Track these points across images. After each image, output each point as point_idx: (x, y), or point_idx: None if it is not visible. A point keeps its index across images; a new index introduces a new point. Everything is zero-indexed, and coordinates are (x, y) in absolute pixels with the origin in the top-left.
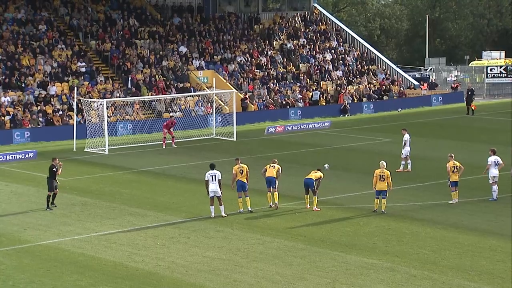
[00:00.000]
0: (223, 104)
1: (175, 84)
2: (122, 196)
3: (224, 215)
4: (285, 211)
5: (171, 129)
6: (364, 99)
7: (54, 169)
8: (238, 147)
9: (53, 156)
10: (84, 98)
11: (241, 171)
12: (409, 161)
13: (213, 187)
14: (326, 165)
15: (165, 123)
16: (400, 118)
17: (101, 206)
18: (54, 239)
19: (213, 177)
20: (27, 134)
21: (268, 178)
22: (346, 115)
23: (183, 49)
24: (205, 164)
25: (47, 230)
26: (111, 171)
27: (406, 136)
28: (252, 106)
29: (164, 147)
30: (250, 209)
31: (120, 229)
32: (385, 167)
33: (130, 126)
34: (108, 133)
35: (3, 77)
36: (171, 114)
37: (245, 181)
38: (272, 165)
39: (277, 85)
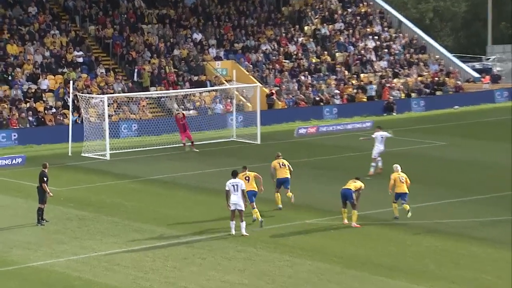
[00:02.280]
0: (245, 100)
1: (189, 77)
2: (126, 209)
3: (245, 233)
4: (318, 227)
5: (187, 130)
6: (413, 95)
7: (45, 178)
8: (262, 151)
9: (43, 162)
10: (82, 93)
11: (246, 178)
12: (379, 159)
13: (235, 198)
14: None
15: (182, 121)
16: (456, 117)
17: (102, 221)
18: (45, 260)
19: (235, 186)
20: (14, 135)
21: (281, 179)
22: (392, 114)
23: (198, 35)
24: (224, 171)
25: (37, 249)
26: (113, 179)
27: (377, 134)
28: (280, 103)
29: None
30: (256, 219)
31: (124, 248)
32: (399, 170)
33: (135, 126)
34: (109, 135)
35: None
36: (176, 110)
37: (254, 190)
38: (281, 162)
39: (309, 78)
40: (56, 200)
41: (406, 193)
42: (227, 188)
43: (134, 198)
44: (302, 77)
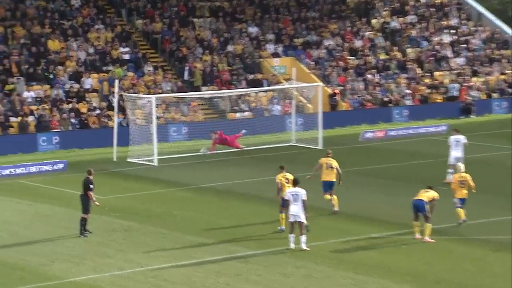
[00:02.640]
0: (305, 101)
1: (244, 76)
2: (175, 219)
3: (305, 248)
4: (386, 242)
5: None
6: (495, 95)
7: (91, 185)
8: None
9: (88, 168)
10: (128, 93)
11: (286, 181)
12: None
13: (295, 209)
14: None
15: (217, 139)
16: None
17: (149, 232)
18: (89, 275)
19: (295, 196)
20: (56, 139)
21: (327, 182)
22: (470, 116)
23: (254, 29)
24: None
25: (80, 262)
26: (161, 187)
27: (452, 138)
28: (344, 104)
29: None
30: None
31: (173, 262)
32: (462, 170)
33: (185, 129)
34: (157, 139)
35: (26, 66)
36: (214, 132)
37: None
38: (329, 163)
39: (377, 77)
40: (100, 210)
41: (464, 198)
42: (286, 198)
43: (184, 208)
44: (369, 76)
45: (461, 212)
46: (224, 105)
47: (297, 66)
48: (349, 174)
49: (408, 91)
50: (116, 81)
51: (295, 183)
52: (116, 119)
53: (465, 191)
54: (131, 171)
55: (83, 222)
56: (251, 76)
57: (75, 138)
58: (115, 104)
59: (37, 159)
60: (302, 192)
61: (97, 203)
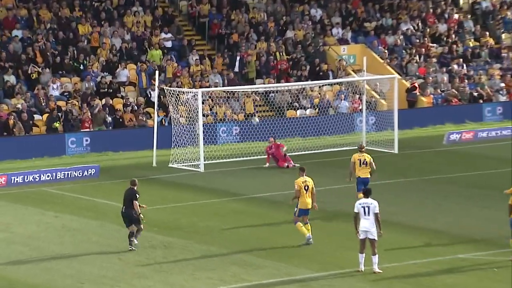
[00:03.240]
0: (378, 97)
1: (306, 67)
2: (225, 235)
3: (377, 270)
4: (475, 264)
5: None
6: None
7: (137, 195)
8: (400, 163)
9: (132, 179)
10: (170, 86)
11: (306, 187)
12: None
13: (366, 224)
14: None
15: (271, 149)
16: None
17: (193, 250)
18: None
19: (367, 209)
20: (87, 140)
21: (362, 179)
22: None
23: (317, 12)
24: (351, 189)
25: (114, 285)
26: (208, 197)
27: None
28: (424, 100)
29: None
30: (309, 236)
31: (222, 285)
32: None
33: (236, 129)
34: (204, 141)
35: (53, 55)
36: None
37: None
38: (363, 159)
39: (465, 68)
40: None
41: None
42: (356, 210)
43: (235, 222)
44: (455, 66)
45: None
46: (282, 101)
47: (368, 55)
48: (430, 183)
49: (502, 85)
50: (157, 73)
51: (366, 193)
52: (156, 117)
53: None
54: (173, 178)
55: (131, 234)
56: (314, 67)
57: (108, 139)
58: (155, 100)
59: (65, 163)
60: (374, 204)
61: (142, 216)
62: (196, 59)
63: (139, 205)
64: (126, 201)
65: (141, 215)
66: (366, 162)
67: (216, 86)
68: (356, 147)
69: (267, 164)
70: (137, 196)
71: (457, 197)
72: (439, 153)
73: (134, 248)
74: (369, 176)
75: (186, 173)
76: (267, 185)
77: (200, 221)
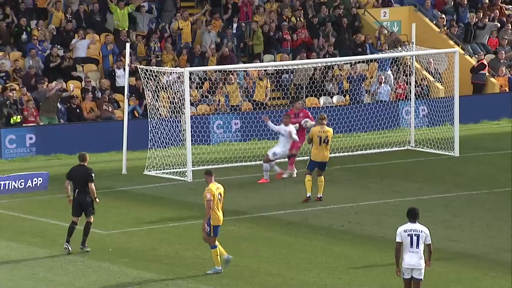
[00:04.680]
0: (432, 79)
1: (333, 37)
2: (224, 270)
3: None
4: None
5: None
6: None
7: (93, 175)
8: (463, 170)
9: (81, 152)
10: (146, 65)
11: (219, 196)
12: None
13: (413, 260)
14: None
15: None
16: None
17: None
18: None
19: (415, 238)
20: (31, 139)
21: (318, 163)
22: None
23: None
24: (390, 206)
25: None
26: (197, 216)
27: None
28: (496, 82)
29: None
30: (216, 269)
31: None
32: None
33: (237, 123)
34: (193, 139)
35: None
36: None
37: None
38: (324, 135)
39: None
40: (101, 253)
41: None
42: (398, 239)
43: (235, 251)
44: None
45: None
46: (300, 83)
47: (419, 21)
48: (504, 197)
49: None
50: (127, 45)
51: (413, 215)
52: (126, 107)
53: None
54: (150, 190)
55: (72, 229)
56: (343, 37)
57: (60, 137)
58: (126, 83)
59: (1, 170)
60: (425, 232)
61: (97, 199)
62: (181, 25)
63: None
64: (78, 184)
65: (96, 199)
66: (328, 140)
67: (210, 64)
68: (405, 148)
69: (292, 171)
70: (93, 176)
71: None
72: None
73: (70, 249)
74: (327, 159)
75: (167, 184)
76: (280, 199)
77: (185, 249)
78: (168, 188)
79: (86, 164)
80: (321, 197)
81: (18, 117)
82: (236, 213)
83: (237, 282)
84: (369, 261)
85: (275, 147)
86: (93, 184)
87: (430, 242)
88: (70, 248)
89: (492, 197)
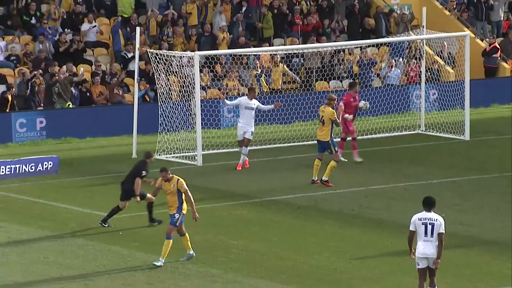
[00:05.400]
0: (443, 63)
1: (342, 21)
2: (230, 253)
3: None
4: None
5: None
6: None
7: (144, 173)
8: (474, 154)
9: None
10: (158, 49)
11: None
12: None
13: (427, 249)
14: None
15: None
16: None
17: (187, 273)
18: None
19: (429, 227)
20: (41, 122)
21: (319, 142)
22: None
23: None
24: (400, 190)
25: None
26: (207, 200)
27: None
28: (508, 66)
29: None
30: (190, 254)
31: None
32: None
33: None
34: (203, 123)
35: None
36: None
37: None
38: (321, 115)
39: None
40: (112, 236)
41: None
42: (412, 228)
43: (244, 234)
44: None
45: None
46: (309, 68)
47: (429, 4)
48: None
49: None
50: (137, 29)
51: (428, 203)
52: (136, 91)
53: None
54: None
55: (114, 211)
56: (354, 21)
57: (70, 121)
58: (136, 67)
59: (12, 154)
60: (440, 221)
61: (138, 199)
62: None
63: (145, 181)
64: (129, 175)
65: (138, 197)
66: (323, 120)
67: (220, 48)
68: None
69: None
70: (144, 173)
71: None
72: None
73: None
74: (327, 139)
75: (177, 168)
76: (289, 183)
77: (196, 233)
78: (178, 172)
79: (147, 160)
80: (315, 180)
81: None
82: (246, 197)
83: (247, 266)
84: (379, 246)
85: (249, 127)
86: (139, 180)
87: (444, 231)
88: (106, 225)
89: (503, 181)
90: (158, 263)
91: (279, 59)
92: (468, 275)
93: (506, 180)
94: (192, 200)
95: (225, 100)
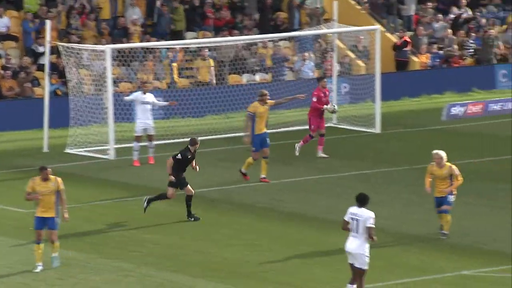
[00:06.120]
0: (353, 56)
1: (254, 15)
2: (144, 247)
3: None
4: (485, 283)
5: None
6: None
7: (178, 155)
8: (384, 147)
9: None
10: (68, 42)
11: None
12: None
13: (352, 244)
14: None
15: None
16: None
17: (99, 268)
18: None
19: (355, 223)
20: None
21: (259, 136)
22: None
23: None
24: (314, 182)
25: None
26: (119, 194)
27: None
28: (416, 60)
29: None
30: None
31: None
32: (443, 158)
33: (160, 101)
34: (116, 117)
35: None
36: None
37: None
38: (259, 110)
39: (471, 14)
40: (22, 231)
41: (444, 197)
42: (346, 218)
43: (157, 228)
44: (460, 12)
45: (447, 222)
46: (221, 62)
47: None
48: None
49: None
50: (48, 22)
51: (360, 200)
52: (47, 85)
53: (447, 187)
54: (71, 169)
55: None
56: (266, 14)
57: None
58: (46, 60)
59: None
60: (366, 216)
61: (172, 178)
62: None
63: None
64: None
65: (170, 177)
66: (257, 116)
67: (132, 42)
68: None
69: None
70: (178, 156)
71: (461, 193)
72: (436, 133)
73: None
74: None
75: (89, 162)
76: (203, 177)
77: (108, 228)
78: (90, 165)
79: (190, 147)
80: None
81: None
82: (159, 190)
83: (160, 260)
84: (291, 238)
85: (148, 122)
86: (171, 159)
87: (371, 225)
88: (145, 205)
89: (413, 173)
90: (37, 270)
91: (207, 53)
92: (378, 267)
93: (416, 173)
94: (65, 200)
95: (124, 97)
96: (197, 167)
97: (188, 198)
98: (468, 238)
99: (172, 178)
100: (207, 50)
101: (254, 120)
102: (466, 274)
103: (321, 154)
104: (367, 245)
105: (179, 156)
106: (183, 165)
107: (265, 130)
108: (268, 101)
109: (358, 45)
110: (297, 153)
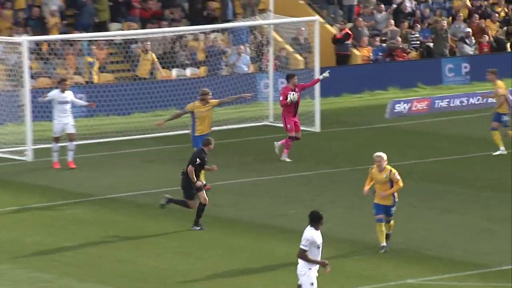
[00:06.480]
0: (291, 49)
1: (184, 5)
2: (63, 257)
3: None
4: None
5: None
6: None
7: (198, 159)
8: (324, 146)
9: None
10: None
11: None
12: None
13: (300, 267)
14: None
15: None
16: None
17: (16, 279)
18: None
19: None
20: None
21: (200, 137)
22: None
23: None
24: (248, 187)
25: None
26: (37, 199)
27: None
28: (358, 53)
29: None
30: None
31: None
32: (384, 160)
33: (81, 97)
34: (34, 115)
35: None
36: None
37: None
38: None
39: (414, 4)
40: None
41: (388, 205)
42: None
43: (78, 236)
44: (407, 4)
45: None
46: (148, 55)
47: None
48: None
49: (468, 30)
50: None
51: (314, 219)
52: None
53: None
54: None
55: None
56: (196, 5)
57: None
58: None
59: None
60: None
61: (199, 182)
62: None
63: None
64: (187, 165)
65: (197, 183)
66: (199, 117)
67: (52, 33)
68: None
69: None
70: (198, 161)
71: (405, 195)
72: (379, 131)
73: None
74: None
75: (4, 164)
76: (129, 180)
77: (25, 235)
78: (5, 168)
79: (205, 148)
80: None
81: None
82: (80, 195)
83: (83, 270)
84: (225, 245)
85: (67, 121)
86: (192, 168)
87: (301, 246)
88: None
89: (355, 174)
90: None
91: (149, 47)
92: (320, 275)
93: (359, 174)
94: None
95: (40, 99)
96: (214, 166)
97: (202, 208)
98: (413, 243)
99: (199, 183)
100: (149, 43)
101: (194, 120)
102: (411, 282)
103: (285, 157)
104: (304, 264)
105: (198, 160)
106: (202, 168)
107: (208, 131)
108: (211, 100)
109: (300, 37)
110: (277, 151)
